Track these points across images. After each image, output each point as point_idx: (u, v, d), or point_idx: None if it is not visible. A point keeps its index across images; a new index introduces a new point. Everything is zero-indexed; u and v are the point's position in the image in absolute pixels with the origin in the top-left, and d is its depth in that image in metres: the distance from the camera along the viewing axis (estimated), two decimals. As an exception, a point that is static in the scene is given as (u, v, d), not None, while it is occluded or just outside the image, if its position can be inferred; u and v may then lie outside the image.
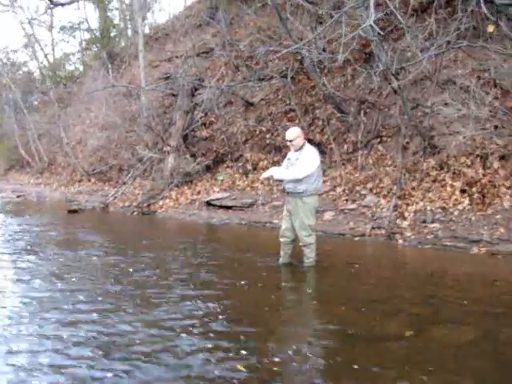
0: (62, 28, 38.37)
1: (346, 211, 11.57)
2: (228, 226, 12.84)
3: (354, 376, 4.22)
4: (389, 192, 11.41)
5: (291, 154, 7.78)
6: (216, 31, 21.81)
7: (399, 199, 10.85)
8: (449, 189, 10.38)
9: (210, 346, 4.93)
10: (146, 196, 17.01)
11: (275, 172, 7.77)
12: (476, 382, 4.08)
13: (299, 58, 14.91)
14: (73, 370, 4.55)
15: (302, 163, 7.46)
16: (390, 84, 11.76)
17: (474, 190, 9.99)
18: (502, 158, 10.15)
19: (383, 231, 10.07)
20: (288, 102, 16.18)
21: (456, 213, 9.81)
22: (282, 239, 7.98)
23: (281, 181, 7.96)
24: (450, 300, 6.13)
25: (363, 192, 12.00)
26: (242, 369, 4.42)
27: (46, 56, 37.38)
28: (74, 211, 16.87)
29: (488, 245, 8.55)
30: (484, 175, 10.05)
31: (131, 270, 8.25)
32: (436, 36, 10.58)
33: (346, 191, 12.37)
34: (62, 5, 26.83)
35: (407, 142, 12.11)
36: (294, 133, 7.69)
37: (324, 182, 11.79)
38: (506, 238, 8.58)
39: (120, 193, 18.54)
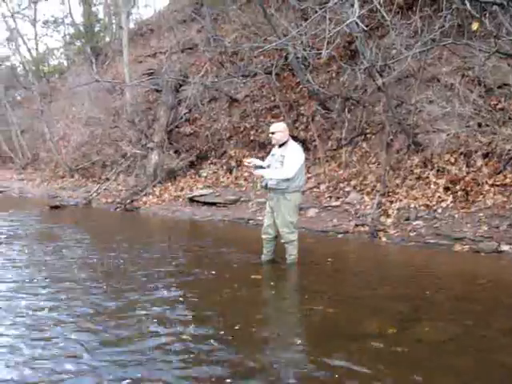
0: (46, 22, 38.11)
1: (329, 208, 11.55)
2: (211, 222, 12.78)
3: (334, 374, 4.18)
4: (373, 189, 11.41)
5: (275, 150, 7.72)
6: (201, 27, 21.71)
7: (383, 196, 10.85)
8: (432, 186, 10.40)
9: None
10: (129, 192, 16.92)
11: (266, 172, 7.67)
12: (457, 379, 4.06)
13: (284, 54, 14.87)
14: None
15: (289, 161, 7.39)
16: (374, 81, 11.74)
17: (457, 187, 10.01)
18: (486, 155, 10.18)
19: (367, 228, 10.06)
20: (272, 98, 16.13)
21: (439, 210, 9.83)
22: (264, 236, 7.92)
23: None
24: (432, 297, 6.12)
25: (347, 189, 12.00)
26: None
27: (29, 50, 37.09)
28: (57, 207, 16.71)
29: (471, 242, 8.57)
30: (468, 173, 10.08)
31: (96, 261, 8.39)
32: (421, 33, 10.57)
33: (330, 188, 12.35)
34: (46, -1, 26.60)
35: (391, 140, 12.10)
36: (277, 126, 7.69)
37: (308, 178, 11.81)
38: (489, 235, 8.60)
39: (103, 189, 18.41)
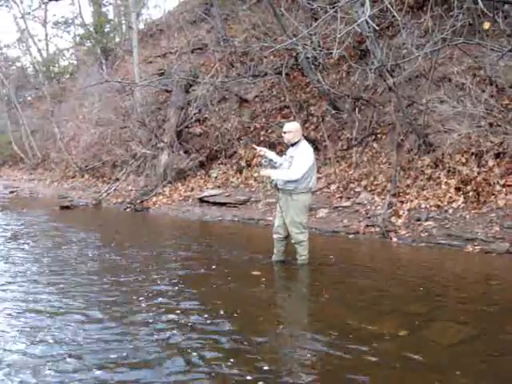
0: (56, 23, 38.25)
1: (340, 208, 11.51)
2: (221, 222, 12.77)
3: (347, 375, 4.15)
4: (383, 189, 11.36)
5: (288, 150, 7.71)
6: (210, 27, 21.74)
7: (394, 197, 10.80)
8: (444, 187, 10.34)
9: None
10: (139, 192, 16.94)
11: (273, 172, 7.67)
12: (470, 381, 4.03)
13: (294, 54, 14.86)
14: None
15: (296, 163, 7.37)
16: (385, 81, 11.70)
17: (468, 188, 9.95)
18: (497, 155, 10.11)
19: (377, 229, 10.01)
20: (282, 98, 16.11)
21: (451, 211, 9.77)
22: (274, 236, 7.91)
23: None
24: (444, 299, 6.08)
25: (357, 189, 11.95)
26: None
27: (39, 51, 37.20)
28: (67, 207, 16.75)
29: (482, 243, 8.51)
30: (479, 173, 10.01)
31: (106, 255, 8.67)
32: (432, 33, 10.53)
33: (341, 188, 12.31)
34: (56, 0, 26.72)
35: (402, 140, 12.05)
36: (288, 126, 7.69)
37: (318, 179, 11.75)
38: (501, 236, 8.54)
39: (113, 189, 18.44)
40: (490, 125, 10.20)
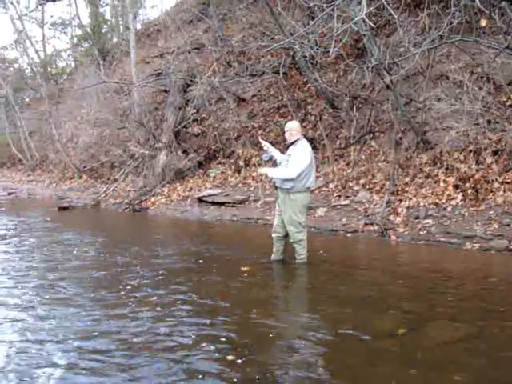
0: (53, 24, 38.20)
1: (338, 207, 11.51)
2: (220, 222, 12.76)
3: (346, 374, 4.14)
4: (382, 188, 11.35)
5: (288, 149, 7.72)
6: (208, 27, 21.73)
7: (392, 195, 10.80)
8: (442, 184, 10.34)
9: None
10: (137, 193, 16.92)
11: (269, 171, 7.70)
12: (470, 380, 4.01)
13: (291, 53, 14.85)
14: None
15: (292, 161, 7.39)
16: (382, 79, 11.70)
17: (467, 185, 9.95)
18: (495, 153, 10.10)
19: (376, 227, 10.01)
20: (280, 97, 16.10)
21: (449, 208, 9.77)
22: (273, 235, 7.90)
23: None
24: (443, 296, 6.07)
25: (356, 188, 11.94)
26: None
27: (36, 52, 37.15)
28: (65, 208, 16.74)
29: (481, 240, 8.50)
30: (477, 170, 10.00)
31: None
32: (429, 31, 10.53)
33: (339, 187, 12.30)
34: (53, 0, 26.73)
35: (400, 138, 12.05)
36: (287, 125, 7.76)
37: (317, 177, 11.73)
38: (500, 233, 8.53)
39: (111, 190, 18.42)
40: (488, 122, 10.20)
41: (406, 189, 10.83)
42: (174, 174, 16.83)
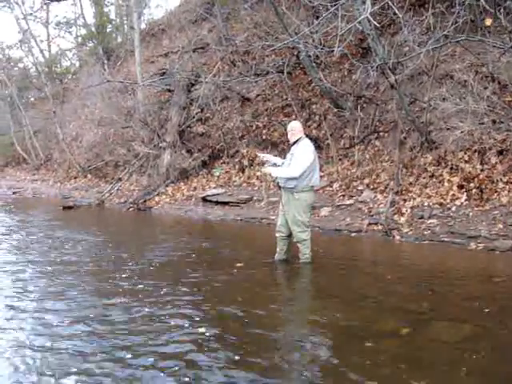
0: (58, 24, 38.27)
1: (342, 207, 11.50)
2: (224, 221, 12.76)
3: (349, 374, 4.13)
4: (386, 187, 11.34)
5: (291, 148, 7.73)
6: (212, 26, 21.74)
7: (396, 195, 10.78)
8: (446, 184, 10.31)
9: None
10: (141, 192, 16.95)
11: (273, 170, 7.70)
12: (473, 379, 4.00)
13: (296, 52, 14.85)
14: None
15: (295, 160, 7.40)
16: (387, 79, 11.66)
17: (471, 185, 9.92)
18: (500, 152, 10.07)
19: (380, 227, 9.99)
20: (284, 97, 16.09)
21: (454, 208, 9.74)
22: (277, 234, 7.89)
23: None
24: (447, 296, 6.05)
25: (360, 187, 11.94)
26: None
27: (41, 52, 37.21)
28: (70, 207, 16.78)
29: (486, 240, 8.47)
30: (482, 170, 9.97)
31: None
32: (433, 30, 10.52)
33: (343, 187, 12.30)
34: (58, 0, 26.74)
35: (404, 137, 12.03)
36: (290, 125, 7.78)
37: (321, 177, 11.72)
38: (504, 233, 8.51)
39: (116, 189, 18.46)
40: (493, 122, 10.17)
41: (411, 189, 10.81)
42: (179, 174, 16.85)
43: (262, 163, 8.83)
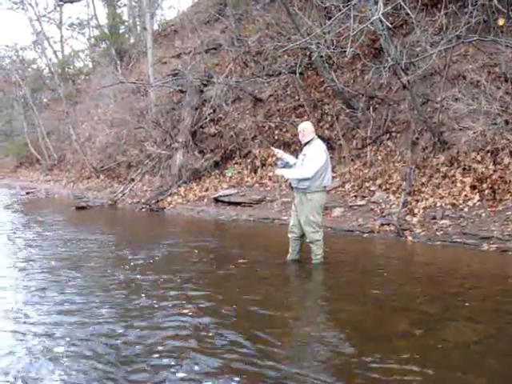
0: (71, 25, 38.49)
1: (354, 207, 11.49)
2: (236, 222, 12.78)
3: (362, 375, 4.14)
4: (398, 188, 11.32)
5: (303, 149, 7.74)
6: (224, 27, 21.76)
7: (409, 195, 10.76)
8: (459, 185, 10.29)
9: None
10: (154, 193, 17.02)
11: (286, 172, 7.70)
12: (487, 381, 4.00)
13: (308, 53, 14.84)
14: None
15: (307, 161, 7.40)
16: (399, 79, 11.65)
17: (484, 185, 9.89)
18: (513, 153, 10.03)
19: (392, 228, 9.97)
20: (297, 97, 16.10)
21: (466, 209, 9.72)
22: (289, 235, 7.90)
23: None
24: (460, 297, 6.03)
25: (372, 188, 11.92)
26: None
27: (55, 53, 37.44)
28: (83, 208, 16.88)
29: (498, 241, 8.44)
30: (495, 171, 9.93)
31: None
32: (446, 30, 10.49)
33: (355, 187, 12.29)
34: (71, 2, 26.93)
35: (417, 138, 12.01)
36: (301, 126, 7.78)
37: (333, 178, 11.72)
38: (517, 234, 8.47)
39: (128, 189, 18.54)
40: (506, 122, 10.12)
41: (423, 189, 10.79)
42: (191, 174, 16.89)
43: (276, 160, 8.85)
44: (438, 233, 9.35)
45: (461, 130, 10.58)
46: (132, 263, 8.24)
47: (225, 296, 6.41)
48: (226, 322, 5.39)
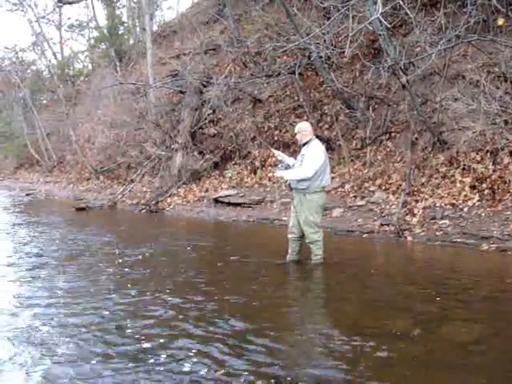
0: (71, 26, 38.50)
1: (354, 208, 11.48)
2: (236, 222, 12.78)
3: (361, 374, 4.13)
4: (398, 188, 11.31)
5: (301, 149, 7.72)
6: (224, 28, 21.77)
7: (408, 195, 10.75)
8: (458, 185, 10.28)
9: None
10: (153, 193, 17.01)
11: (286, 173, 7.69)
12: (487, 381, 3.99)
13: (307, 53, 14.82)
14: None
15: (306, 161, 7.39)
16: (398, 79, 11.64)
17: (484, 185, 9.88)
18: (513, 153, 10.02)
19: (392, 228, 9.96)
20: (296, 98, 16.09)
21: (466, 209, 9.71)
22: (289, 235, 7.90)
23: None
24: (458, 297, 6.03)
25: (372, 188, 11.91)
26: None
27: (54, 54, 37.45)
28: (82, 209, 16.88)
29: (498, 241, 8.43)
30: (494, 171, 9.92)
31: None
32: (445, 30, 10.49)
33: (355, 188, 12.28)
34: (70, 3, 26.96)
35: (416, 138, 12.00)
36: (297, 127, 7.75)
37: (332, 178, 11.71)
38: (517, 234, 8.46)
39: (128, 190, 18.53)
40: (505, 122, 10.11)
41: (423, 189, 10.78)
42: (190, 175, 16.89)
43: (277, 162, 8.85)
44: (437, 233, 9.34)
45: (460, 129, 10.57)
46: (121, 259, 8.65)
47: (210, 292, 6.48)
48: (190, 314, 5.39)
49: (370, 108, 13.53)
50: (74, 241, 10.69)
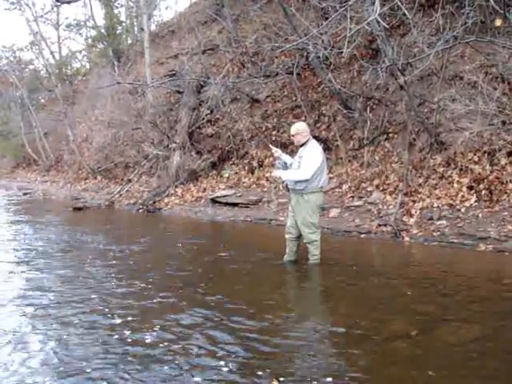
0: (68, 25, 38.48)
1: (352, 208, 11.49)
2: (233, 222, 12.78)
3: (359, 375, 4.13)
4: (395, 189, 11.32)
5: (299, 150, 7.71)
6: (221, 28, 21.76)
7: (406, 196, 10.76)
8: (456, 185, 10.29)
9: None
10: (151, 193, 17.00)
11: (283, 173, 7.69)
12: (482, 381, 3.99)
13: (305, 54, 14.83)
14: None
15: (305, 163, 7.37)
16: (396, 80, 11.65)
17: (481, 186, 9.89)
18: (510, 154, 10.04)
19: (389, 228, 9.97)
20: (294, 98, 16.10)
21: (463, 210, 9.71)
22: (286, 236, 7.90)
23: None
24: (456, 298, 6.03)
25: (369, 189, 11.92)
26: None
27: (52, 54, 37.42)
28: (79, 209, 16.87)
29: (495, 242, 8.44)
30: (491, 172, 9.94)
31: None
32: (443, 31, 10.48)
33: (352, 188, 12.29)
34: (68, 2, 26.90)
35: (414, 139, 12.01)
36: (294, 128, 7.70)
37: (330, 178, 11.72)
38: (514, 235, 8.47)
39: (125, 190, 18.53)
40: (503, 123, 10.12)
41: (420, 190, 10.79)
42: (188, 175, 16.89)
43: (274, 160, 8.84)
44: (434, 233, 9.34)
45: (458, 130, 10.58)
46: (111, 254, 9.17)
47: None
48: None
49: (368, 108, 13.55)
50: (66, 238, 10.99)
